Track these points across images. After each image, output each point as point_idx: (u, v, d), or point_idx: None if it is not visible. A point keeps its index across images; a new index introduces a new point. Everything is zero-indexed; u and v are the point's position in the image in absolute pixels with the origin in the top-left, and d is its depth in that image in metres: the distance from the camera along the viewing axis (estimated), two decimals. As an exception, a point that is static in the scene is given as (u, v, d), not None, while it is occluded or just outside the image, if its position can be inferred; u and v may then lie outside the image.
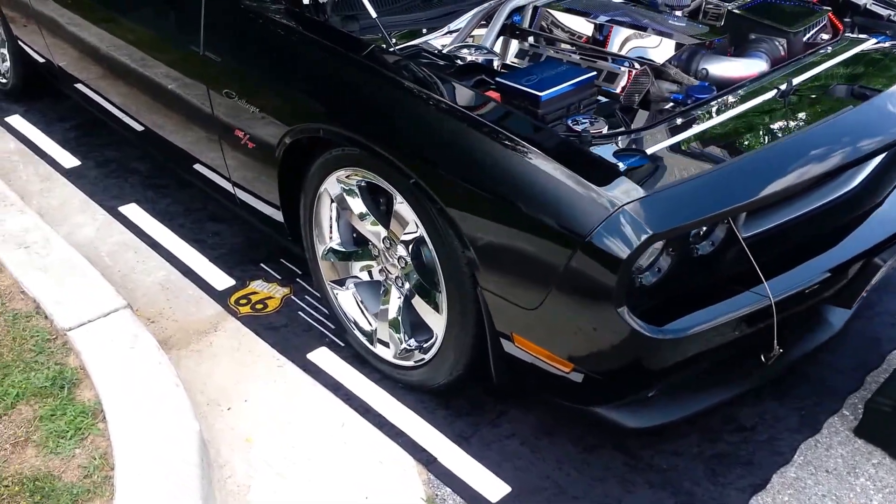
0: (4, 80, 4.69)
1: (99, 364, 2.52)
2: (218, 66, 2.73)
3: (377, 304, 2.74)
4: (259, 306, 3.09)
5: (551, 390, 2.24)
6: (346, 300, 2.77)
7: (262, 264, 3.33)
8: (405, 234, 2.37)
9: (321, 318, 3.02)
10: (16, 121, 4.49)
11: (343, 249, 2.70)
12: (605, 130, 2.04)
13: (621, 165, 1.92)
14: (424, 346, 2.51)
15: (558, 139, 2.04)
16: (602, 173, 1.92)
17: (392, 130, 2.25)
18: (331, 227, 2.70)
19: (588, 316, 1.96)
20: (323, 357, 2.84)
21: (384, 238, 2.50)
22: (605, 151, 1.98)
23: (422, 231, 2.30)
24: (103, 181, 3.93)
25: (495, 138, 2.05)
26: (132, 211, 3.71)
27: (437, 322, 2.42)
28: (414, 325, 2.58)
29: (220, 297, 3.15)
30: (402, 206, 2.33)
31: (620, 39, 2.57)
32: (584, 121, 2.06)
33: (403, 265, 2.48)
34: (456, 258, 2.20)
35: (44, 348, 2.64)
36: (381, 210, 2.54)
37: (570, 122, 2.08)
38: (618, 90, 2.38)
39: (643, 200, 1.86)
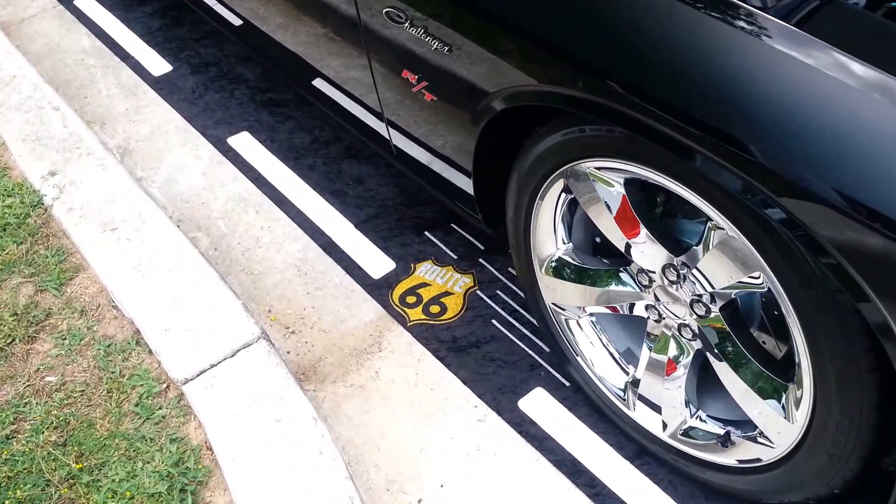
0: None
1: (231, 448, 1.72)
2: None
3: (629, 343, 1.82)
4: (434, 309, 2.20)
5: None
6: (584, 336, 1.84)
7: (427, 233, 2.41)
8: (732, 281, 1.40)
9: (527, 331, 2.12)
10: (88, 5, 3.53)
11: (579, 264, 1.74)
12: None
13: None
14: (742, 435, 1.59)
15: None
16: None
17: (750, 127, 1.22)
18: (562, 229, 1.73)
19: None
20: (541, 406, 1.97)
21: (667, 267, 1.52)
22: None
23: (772, 283, 1.32)
24: (203, 96, 3.00)
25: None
26: (245, 143, 2.79)
27: (761, 406, 1.49)
28: (704, 387, 1.66)
29: (378, 289, 2.27)
30: (733, 242, 1.34)
31: None
32: None
33: (702, 314, 1.51)
34: (844, 325, 1.24)
35: (151, 410, 1.85)
36: (659, 216, 1.56)
37: None
38: None
39: None
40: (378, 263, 2.35)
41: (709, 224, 1.39)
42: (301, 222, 2.50)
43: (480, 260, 2.32)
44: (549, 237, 1.76)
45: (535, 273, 1.83)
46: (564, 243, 1.75)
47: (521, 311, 2.18)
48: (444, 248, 2.37)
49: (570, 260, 1.76)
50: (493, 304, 2.20)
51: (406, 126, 2.00)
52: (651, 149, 1.36)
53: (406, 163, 2.15)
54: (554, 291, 1.82)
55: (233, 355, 1.89)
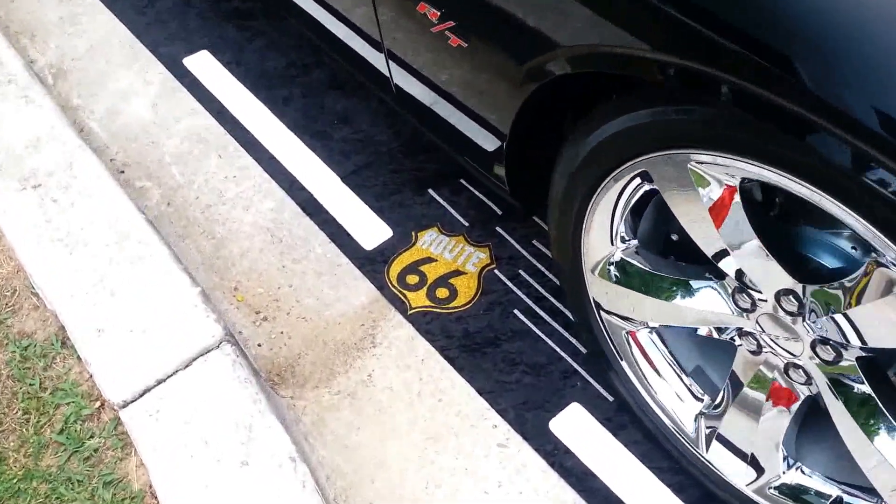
0: None
1: (183, 499, 1.31)
2: None
3: (700, 360, 1.41)
4: (442, 293, 1.77)
5: None
6: (641, 349, 1.42)
7: (430, 191, 1.95)
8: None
9: (558, 325, 1.70)
10: None
11: (648, 269, 1.31)
12: None
13: None
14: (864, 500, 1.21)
15: None
16: None
17: None
18: (626, 223, 1.29)
19: None
20: (579, 429, 1.57)
21: (784, 293, 1.10)
22: None
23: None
24: (154, 3, 2.45)
25: None
26: (205, 66, 2.28)
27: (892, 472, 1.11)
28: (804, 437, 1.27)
29: (372, 264, 1.83)
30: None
31: None
32: None
33: (829, 359, 1.10)
34: None
35: (80, 440, 1.43)
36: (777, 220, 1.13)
37: None
38: None
39: None
40: (370, 229, 1.90)
41: (870, 259, 0.96)
42: (275, 172, 2.02)
43: (498, 229, 1.88)
44: (606, 233, 1.31)
45: (583, 273, 1.40)
46: (626, 241, 1.31)
47: (551, 297, 1.75)
48: (453, 211, 1.91)
49: (634, 263, 1.32)
50: (514, 289, 1.77)
51: (414, 63, 1.52)
52: (800, 152, 0.91)
53: (409, 107, 1.68)
54: (607, 297, 1.39)
55: (187, 366, 1.46)
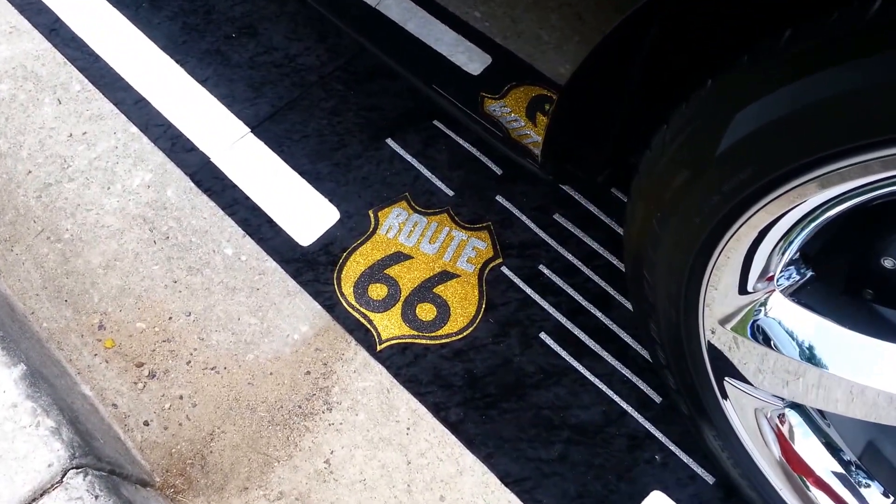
0: None
1: None
2: None
3: (874, 432, 0.86)
4: (426, 312, 1.15)
5: None
6: (775, 427, 0.85)
7: (390, 142, 1.29)
8: None
9: (611, 357, 1.11)
10: None
11: (831, 320, 0.70)
12: None
13: None
14: None
15: None
16: None
17: None
18: (790, 246, 0.67)
19: None
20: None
21: None
22: None
23: None
24: None
25: None
26: (26, -46, 1.50)
27: None
28: None
29: (312, 268, 1.19)
30: None
31: None
32: None
33: None
34: None
35: None
36: None
37: None
38: None
39: None
40: (306, 211, 1.23)
41: None
42: (147, 123, 1.32)
43: (499, 198, 1.24)
44: (762, 262, 0.70)
45: (698, 320, 0.79)
46: (791, 271, 0.71)
47: (593, 309, 1.15)
48: (428, 173, 1.26)
49: (806, 314, 0.72)
50: (535, 297, 1.16)
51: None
52: None
53: (349, 20, 1.00)
54: (746, 364, 0.79)
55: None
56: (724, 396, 0.85)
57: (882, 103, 0.50)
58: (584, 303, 1.15)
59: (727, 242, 0.67)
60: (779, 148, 0.56)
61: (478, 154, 1.27)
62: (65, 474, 0.86)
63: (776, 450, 0.85)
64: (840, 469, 0.85)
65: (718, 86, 0.59)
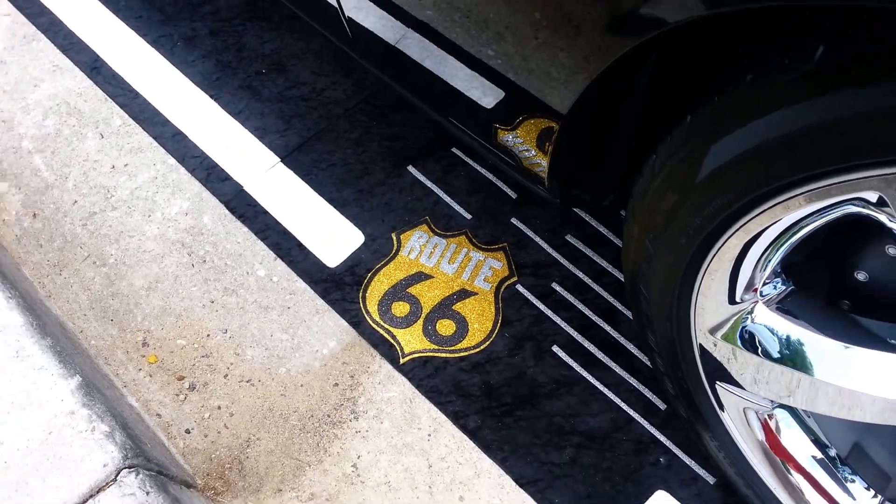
0: None
1: None
2: None
3: (859, 434, 0.93)
4: (446, 328, 1.23)
5: None
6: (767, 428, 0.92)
7: (412, 169, 1.38)
8: None
9: (618, 366, 1.19)
10: None
11: (813, 331, 0.78)
12: None
13: None
14: None
15: None
16: None
17: None
18: (776, 255, 0.75)
19: None
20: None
21: None
22: None
23: None
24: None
25: None
26: (69, -1, 1.62)
27: None
28: None
29: (339, 288, 1.27)
30: None
31: None
32: None
33: None
34: None
35: None
36: None
37: None
38: None
39: None
40: (332, 234, 1.33)
41: None
42: (183, 155, 1.42)
43: (514, 221, 1.32)
44: (748, 275, 0.78)
45: (690, 330, 0.87)
46: (773, 283, 0.79)
47: (603, 323, 1.23)
48: (447, 198, 1.35)
49: (788, 323, 0.80)
50: (549, 313, 1.24)
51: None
52: None
53: (372, 58, 1.09)
54: (742, 374, 0.87)
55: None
56: (718, 400, 0.93)
57: (831, 138, 0.58)
58: (594, 317, 1.23)
59: (712, 259, 0.75)
60: (750, 175, 0.64)
61: (494, 180, 1.36)
62: (118, 473, 0.95)
63: (760, 434, 0.92)
64: (820, 455, 0.92)
65: (695, 121, 0.68)
